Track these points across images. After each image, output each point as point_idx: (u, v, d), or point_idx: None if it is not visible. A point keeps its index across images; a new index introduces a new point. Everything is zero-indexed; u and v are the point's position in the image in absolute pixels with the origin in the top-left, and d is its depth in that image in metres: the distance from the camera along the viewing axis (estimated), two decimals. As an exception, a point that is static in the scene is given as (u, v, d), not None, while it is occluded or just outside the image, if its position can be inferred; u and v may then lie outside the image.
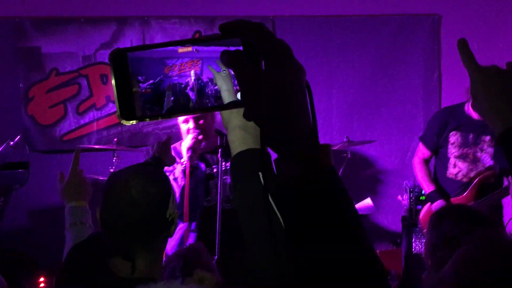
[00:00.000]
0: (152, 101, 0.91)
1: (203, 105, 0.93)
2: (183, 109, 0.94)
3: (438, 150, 4.74)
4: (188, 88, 0.92)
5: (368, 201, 5.90)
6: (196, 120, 3.84)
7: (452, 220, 2.44)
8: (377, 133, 6.63)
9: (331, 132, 6.60)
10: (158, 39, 6.19)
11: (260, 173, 1.23)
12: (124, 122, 0.90)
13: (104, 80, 6.16)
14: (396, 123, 6.59)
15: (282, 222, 0.90)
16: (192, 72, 0.93)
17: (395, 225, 6.25)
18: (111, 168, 5.47)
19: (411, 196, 5.24)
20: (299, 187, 0.88)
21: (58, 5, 5.99)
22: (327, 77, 6.57)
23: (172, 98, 0.91)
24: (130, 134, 6.25)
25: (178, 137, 6.24)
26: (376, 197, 6.48)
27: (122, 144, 5.82)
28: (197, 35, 6.29)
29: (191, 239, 3.92)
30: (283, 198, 0.90)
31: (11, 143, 5.13)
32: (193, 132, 3.81)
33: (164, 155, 2.55)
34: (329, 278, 0.86)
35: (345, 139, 5.91)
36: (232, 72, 0.90)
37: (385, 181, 6.72)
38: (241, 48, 0.90)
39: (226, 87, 0.94)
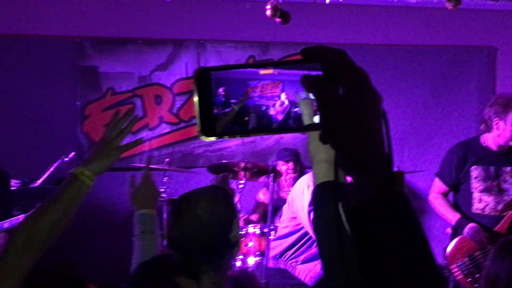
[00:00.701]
0: (234, 120, 0.93)
1: (283, 125, 0.95)
2: (264, 129, 0.97)
3: (458, 187, 4.60)
4: (275, 109, 0.95)
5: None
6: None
7: None
8: (428, 164, 6.56)
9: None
10: (213, 63, 6.27)
11: (339, 203, 1.26)
12: (204, 138, 0.93)
13: (158, 101, 6.25)
14: (448, 155, 6.51)
15: (356, 245, 0.91)
16: (283, 95, 0.95)
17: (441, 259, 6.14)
18: (162, 188, 5.51)
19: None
20: (372, 212, 0.88)
21: (117, 26, 6.12)
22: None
23: (254, 118, 0.94)
24: (181, 155, 6.32)
25: (229, 159, 6.33)
26: (424, 229, 6.38)
27: (173, 165, 5.88)
28: (250, 60, 6.36)
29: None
30: (357, 222, 0.90)
31: (66, 159, 5.22)
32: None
33: (225, 186, 2.56)
34: None
35: (395, 169, 5.88)
36: (312, 96, 0.92)
37: (433, 213, 6.63)
38: (321, 73, 0.91)
39: (307, 111, 0.96)
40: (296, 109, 0.96)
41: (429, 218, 6.60)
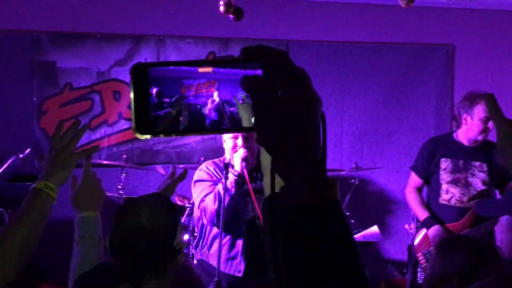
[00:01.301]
0: (168, 118, 0.92)
1: (219, 125, 0.94)
2: (198, 129, 0.95)
3: (429, 179, 4.76)
4: (208, 108, 0.94)
5: (374, 229, 5.87)
6: (245, 139, 3.97)
7: (466, 251, 2.42)
8: (387, 161, 6.63)
9: (340, 157, 6.60)
10: (173, 58, 6.21)
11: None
12: (139, 136, 0.92)
13: (117, 96, 6.19)
14: (406, 152, 6.58)
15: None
16: (216, 94, 0.94)
17: (402, 255, 6.22)
18: (119, 185, 5.47)
19: (418, 225, 5.22)
20: (302, 217, 0.88)
21: (75, 21, 6.03)
22: (339, 103, 6.59)
23: (187, 117, 0.93)
24: (140, 151, 6.26)
25: (186, 157, 6.30)
26: (383, 225, 6.45)
27: (131, 162, 5.83)
28: (211, 56, 6.33)
29: (237, 247, 4.05)
30: (286, 227, 0.90)
31: (21, 155, 5.13)
32: (244, 148, 3.97)
33: (168, 193, 2.51)
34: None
35: (353, 165, 5.93)
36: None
37: (393, 209, 6.70)
38: (260, 72, 0.90)
39: (246, 115, 0.95)
40: (231, 109, 0.95)
41: (390, 214, 6.68)
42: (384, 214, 6.66)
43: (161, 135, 0.92)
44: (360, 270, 0.88)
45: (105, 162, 5.71)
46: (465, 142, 4.57)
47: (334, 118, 6.52)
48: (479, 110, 4.38)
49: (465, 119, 4.48)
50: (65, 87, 6.09)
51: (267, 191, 1.42)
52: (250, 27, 6.18)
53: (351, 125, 6.64)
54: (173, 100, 0.92)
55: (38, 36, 6.02)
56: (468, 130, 4.49)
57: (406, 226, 6.02)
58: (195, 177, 4.15)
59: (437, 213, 4.69)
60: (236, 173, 3.94)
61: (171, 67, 0.93)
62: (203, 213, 3.93)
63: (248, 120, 0.95)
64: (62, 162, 1.94)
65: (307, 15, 6.56)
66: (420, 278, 4.91)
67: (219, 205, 3.83)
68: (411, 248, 5.11)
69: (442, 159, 4.64)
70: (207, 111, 0.94)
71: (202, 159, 5.41)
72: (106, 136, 6.19)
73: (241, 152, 3.95)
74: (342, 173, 5.93)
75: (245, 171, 3.92)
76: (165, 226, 2.00)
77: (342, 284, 0.86)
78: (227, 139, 4.10)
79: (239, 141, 3.99)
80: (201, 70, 0.94)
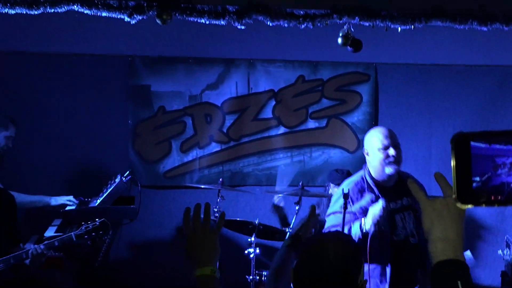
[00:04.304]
0: (491, 189, 0.94)
1: None
2: None
3: None
4: None
5: (468, 254, 5.80)
6: (396, 148, 3.96)
7: None
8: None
9: (429, 180, 6.51)
10: (263, 82, 6.30)
11: (459, 282, 1.27)
12: (460, 205, 0.94)
13: (208, 119, 6.29)
14: (496, 175, 6.46)
15: None
16: None
17: (494, 280, 6.13)
18: (215, 208, 5.52)
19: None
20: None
21: (168, 45, 6.16)
22: (427, 125, 6.54)
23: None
24: (230, 174, 6.34)
25: (275, 180, 6.34)
26: (475, 250, 6.36)
27: (223, 184, 5.88)
28: (300, 80, 6.38)
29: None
30: None
31: (124, 179, 5.25)
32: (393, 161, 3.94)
33: (307, 233, 2.54)
34: None
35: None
36: None
37: (485, 234, 6.60)
38: None
39: None
40: None
41: (482, 239, 6.58)
42: (476, 239, 6.56)
43: (483, 205, 0.94)
44: None
45: (203, 186, 5.78)
46: None
47: (422, 141, 6.48)
48: None
49: None
50: (158, 110, 6.23)
51: (433, 257, 1.46)
52: (339, 50, 6.17)
53: (439, 148, 6.57)
54: (490, 174, 0.94)
55: (133, 60, 6.18)
56: None
57: (500, 251, 5.93)
58: (333, 207, 4.04)
59: None
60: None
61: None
62: None
63: None
64: (208, 243, 1.98)
65: (394, 38, 6.54)
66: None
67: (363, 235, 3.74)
68: (505, 275, 5.03)
69: None
70: None
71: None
72: (198, 158, 6.29)
73: (392, 164, 3.94)
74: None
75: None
76: (351, 263, 2.04)
77: None
78: (375, 151, 4.01)
79: (391, 151, 3.95)
80: None
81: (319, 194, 5.67)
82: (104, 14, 3.99)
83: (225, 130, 6.31)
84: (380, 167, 3.99)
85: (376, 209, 3.75)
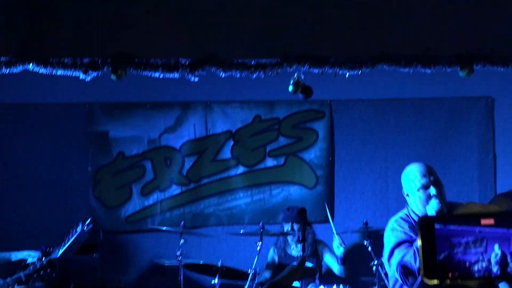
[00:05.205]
0: (451, 266, 1.07)
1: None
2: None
3: None
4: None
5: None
6: (437, 187, 3.77)
7: None
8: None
9: (387, 213, 6.64)
10: (220, 123, 6.40)
11: None
12: (427, 281, 1.06)
13: (168, 162, 6.35)
14: (452, 204, 6.63)
15: None
16: (497, 247, 1.09)
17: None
18: (178, 251, 5.56)
19: None
20: None
21: (125, 92, 6.21)
22: (383, 159, 6.68)
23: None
24: (192, 215, 6.39)
25: (236, 219, 6.39)
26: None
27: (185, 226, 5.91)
28: (256, 120, 6.48)
29: None
30: None
31: (85, 228, 5.26)
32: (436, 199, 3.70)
33: (292, 279, 2.57)
34: None
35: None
36: None
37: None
38: None
39: None
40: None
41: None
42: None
43: (448, 281, 1.07)
44: None
45: (164, 228, 5.83)
46: None
47: (378, 173, 6.62)
48: None
49: None
50: (118, 156, 6.28)
51: None
52: (294, 90, 6.33)
53: (396, 180, 6.69)
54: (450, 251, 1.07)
55: (91, 107, 6.24)
56: None
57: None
58: (392, 240, 3.81)
59: None
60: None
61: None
62: (403, 276, 3.58)
63: None
64: None
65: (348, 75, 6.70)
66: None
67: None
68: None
69: None
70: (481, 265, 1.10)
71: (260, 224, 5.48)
72: (159, 201, 6.34)
73: (435, 204, 3.67)
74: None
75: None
76: None
77: None
78: (415, 191, 3.85)
79: (432, 190, 3.76)
80: (483, 222, 1.09)
81: (278, 233, 5.76)
82: (59, 72, 4.06)
83: (184, 173, 6.37)
84: (423, 209, 3.77)
85: None
